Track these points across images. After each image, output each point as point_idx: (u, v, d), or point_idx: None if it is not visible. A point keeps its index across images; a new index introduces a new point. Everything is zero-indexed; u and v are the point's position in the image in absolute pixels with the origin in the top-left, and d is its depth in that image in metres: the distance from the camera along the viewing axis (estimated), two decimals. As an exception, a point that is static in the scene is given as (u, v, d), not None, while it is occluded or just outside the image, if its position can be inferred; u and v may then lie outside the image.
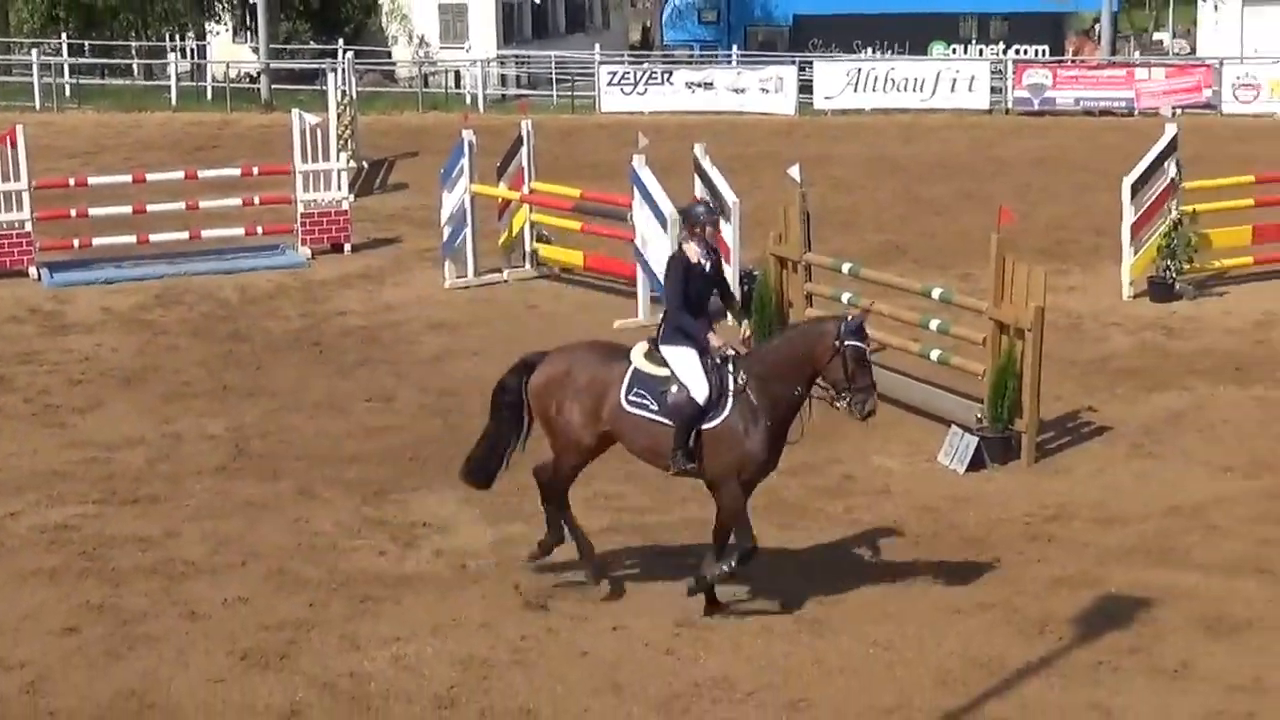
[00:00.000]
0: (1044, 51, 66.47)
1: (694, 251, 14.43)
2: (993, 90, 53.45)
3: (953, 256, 28.12)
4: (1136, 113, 50.95)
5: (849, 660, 13.53)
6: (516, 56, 64.36)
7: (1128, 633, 13.92)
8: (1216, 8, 66.77)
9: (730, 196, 24.37)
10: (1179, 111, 49.07)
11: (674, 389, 14.08)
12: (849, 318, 14.02)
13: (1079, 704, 12.77)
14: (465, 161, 27.60)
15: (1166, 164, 26.11)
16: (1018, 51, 64.28)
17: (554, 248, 27.59)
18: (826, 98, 53.69)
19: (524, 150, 27.49)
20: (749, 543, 14.23)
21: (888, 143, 46.00)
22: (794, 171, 22.17)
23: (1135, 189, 25.93)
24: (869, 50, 66.22)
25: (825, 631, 14.11)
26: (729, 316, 15.49)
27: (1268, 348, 23.14)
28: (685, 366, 14.12)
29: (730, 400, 14.05)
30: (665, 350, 14.26)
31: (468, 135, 27.71)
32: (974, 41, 70.77)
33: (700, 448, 14.11)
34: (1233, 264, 26.66)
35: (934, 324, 19.87)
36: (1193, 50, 68.16)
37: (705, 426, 14.07)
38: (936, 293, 20.26)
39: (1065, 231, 30.99)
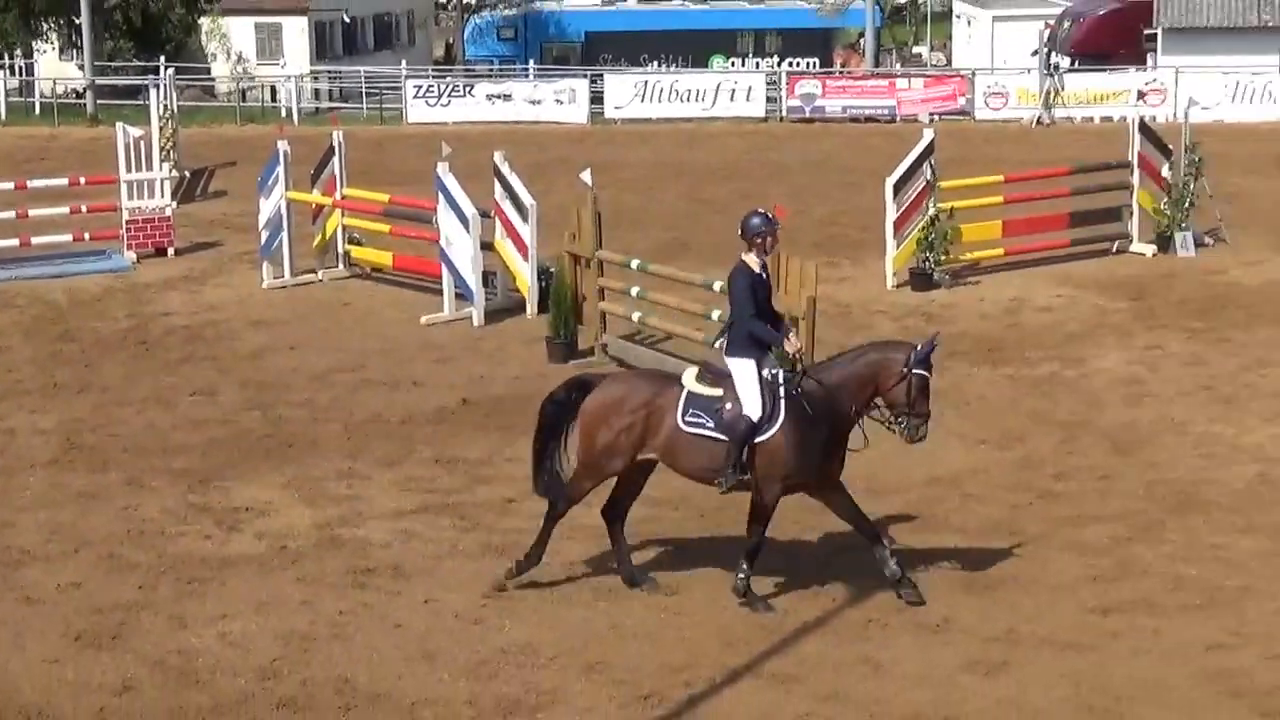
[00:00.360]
0: (814, 64, 67.11)
1: (754, 262, 14.18)
2: (768, 100, 53.75)
3: (733, 252, 28.08)
4: (898, 119, 51.45)
5: (643, 625, 13.58)
6: (328, 72, 63.93)
7: (894, 592, 14.08)
8: (970, 23, 67.75)
9: (528, 199, 24.39)
10: (936, 118, 49.69)
11: (728, 406, 13.70)
12: (919, 346, 13.74)
13: (851, 658, 12.91)
14: (281, 170, 27.37)
15: (925, 165, 26.46)
16: (790, 64, 64.87)
17: (365, 249, 27.43)
18: (616, 107, 53.76)
19: (336, 159, 27.32)
20: (757, 545, 13.96)
21: (673, 148, 46.12)
22: (586, 176, 22.20)
23: (897, 188, 26.26)
24: (655, 64, 66.49)
25: (620, 599, 14.15)
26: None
27: (1017, 331, 23.52)
28: (745, 380, 13.71)
29: (782, 414, 13.67)
30: (730, 361, 13.85)
31: (283, 145, 27.49)
32: (750, 55, 71.30)
33: (752, 460, 13.76)
34: (985, 255, 27.06)
35: (715, 314, 19.95)
36: (948, 62, 69.11)
37: (760, 439, 13.69)
38: (718, 285, 20.31)
39: (835, 227, 31.30)
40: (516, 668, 12.80)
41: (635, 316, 21.69)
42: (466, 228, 24.25)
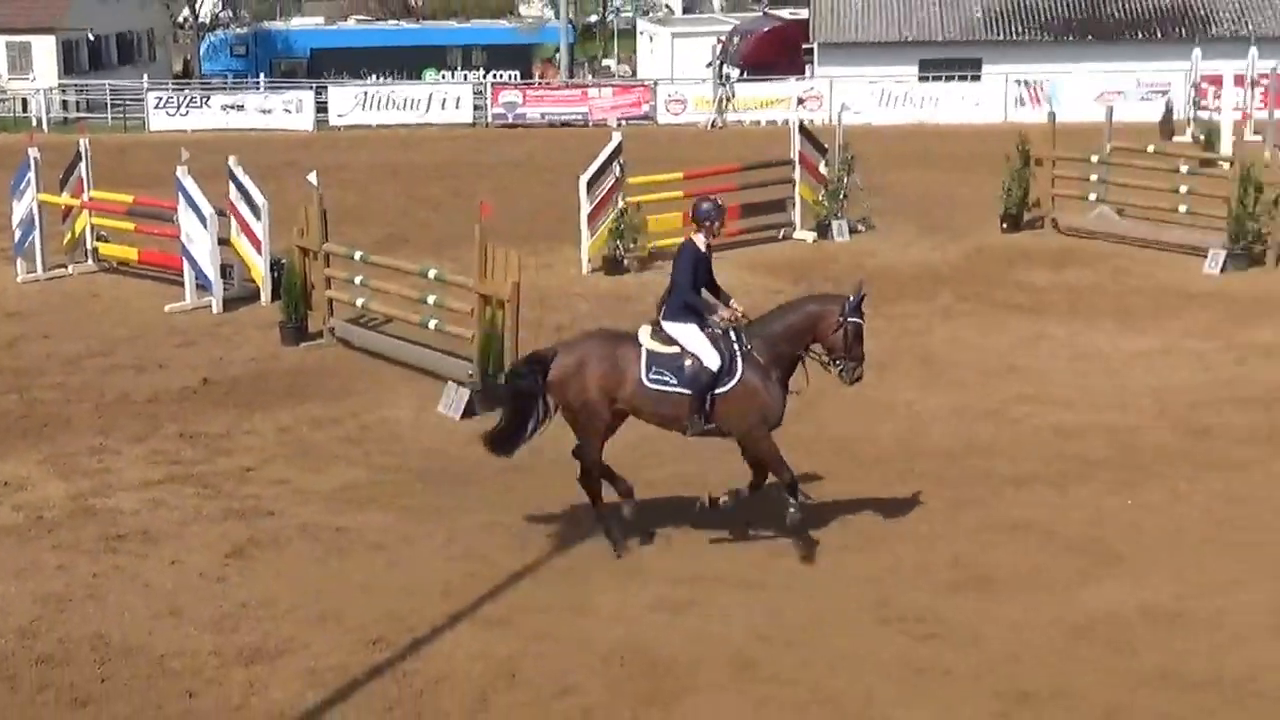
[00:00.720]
0: (516, 76, 66.90)
1: (701, 242, 13.89)
2: (475, 108, 53.67)
3: (446, 243, 28.11)
4: (590, 124, 51.63)
5: (370, 577, 13.45)
6: (76, 85, 62.15)
7: (593, 542, 14.13)
8: (652, 39, 68.21)
9: (260, 199, 23.99)
10: (623, 122, 49.92)
11: (688, 362, 13.50)
12: (851, 297, 13.60)
13: (557, 602, 12.91)
14: (32, 174, 26.55)
15: (614, 164, 26.58)
16: (495, 76, 64.65)
17: (112, 245, 26.79)
18: (339, 115, 53.25)
19: (83, 164, 26.60)
20: (791, 476, 13.81)
21: (391, 152, 45.75)
22: (312, 177, 21.94)
23: (590, 185, 26.34)
24: (374, 76, 65.71)
25: (350, 554, 14.02)
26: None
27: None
28: (692, 340, 13.54)
29: (740, 363, 13.54)
30: (669, 326, 13.62)
31: (33, 152, 26.67)
32: (459, 68, 70.88)
33: (715, 410, 13.59)
34: (668, 243, 27.13)
35: (431, 299, 19.87)
36: (634, 73, 69.40)
37: (722, 389, 13.52)
38: (432, 273, 20.24)
39: (536, 221, 31.24)
40: (256, 620, 12.60)
41: (359, 302, 21.49)
42: (205, 225, 23.84)
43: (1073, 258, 27.03)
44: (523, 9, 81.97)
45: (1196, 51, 47.75)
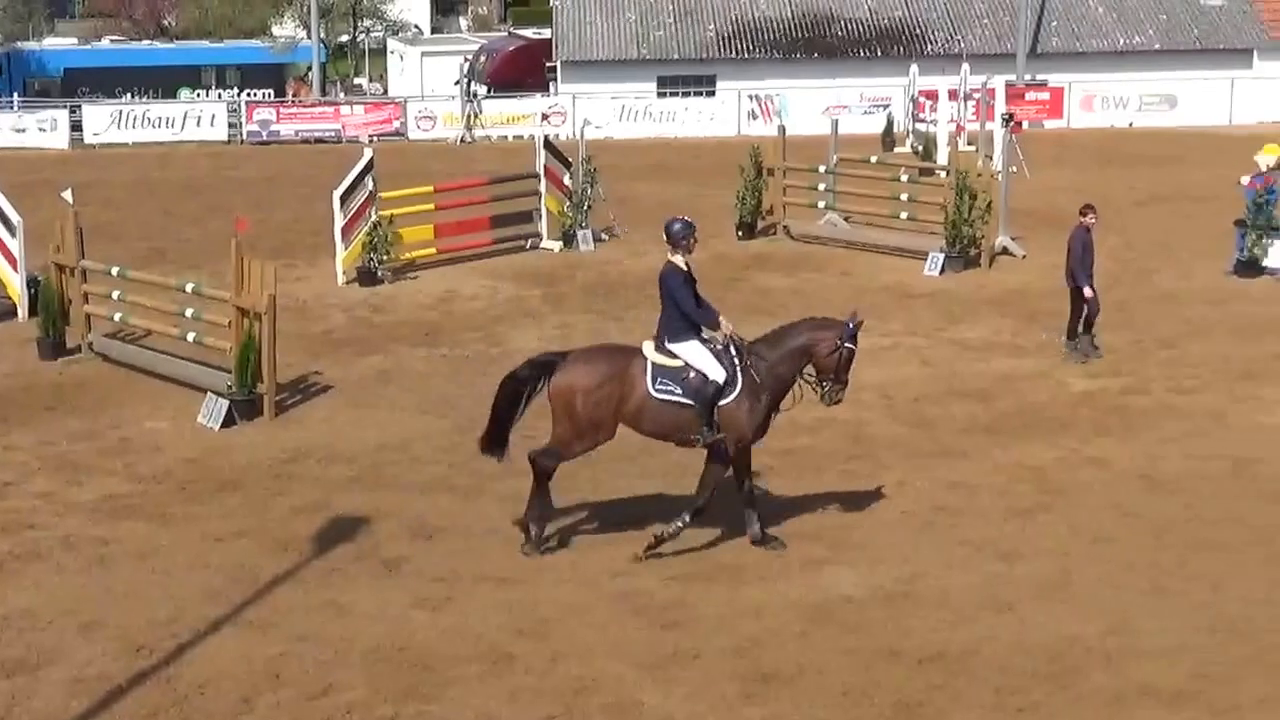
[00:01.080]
0: (269, 94, 65.87)
1: (681, 261, 13.67)
2: (230, 125, 52.67)
3: (203, 257, 27.55)
4: (343, 140, 51.05)
5: (133, 586, 13.16)
6: None
7: (353, 544, 14.01)
8: (402, 58, 67.81)
9: (14, 216, 23.32)
10: (375, 139, 49.50)
11: (692, 374, 13.38)
12: (849, 325, 13.64)
13: (318, 603, 12.77)
14: None
15: (367, 179, 26.35)
16: (249, 94, 63.67)
17: None
18: (95, 134, 51.89)
19: None
20: (702, 502, 13.76)
21: (147, 169, 44.68)
22: (67, 195, 21.42)
23: (344, 199, 26.05)
24: (129, 95, 64.25)
25: (112, 564, 13.72)
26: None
27: (448, 317, 23.63)
28: (696, 356, 13.43)
29: (739, 380, 13.47)
30: (673, 347, 13.48)
31: None
32: (214, 87, 69.66)
33: (720, 420, 13.50)
34: (421, 254, 27.08)
35: (189, 312, 19.49)
36: (385, 91, 68.85)
37: (725, 400, 13.44)
38: (190, 287, 19.87)
39: (292, 234, 30.77)
40: (18, 632, 12.24)
41: (117, 317, 20.99)
42: (-40, 242, 23.11)
43: (804, 262, 27.48)
44: (275, 29, 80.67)
45: (914, 68, 48.80)
